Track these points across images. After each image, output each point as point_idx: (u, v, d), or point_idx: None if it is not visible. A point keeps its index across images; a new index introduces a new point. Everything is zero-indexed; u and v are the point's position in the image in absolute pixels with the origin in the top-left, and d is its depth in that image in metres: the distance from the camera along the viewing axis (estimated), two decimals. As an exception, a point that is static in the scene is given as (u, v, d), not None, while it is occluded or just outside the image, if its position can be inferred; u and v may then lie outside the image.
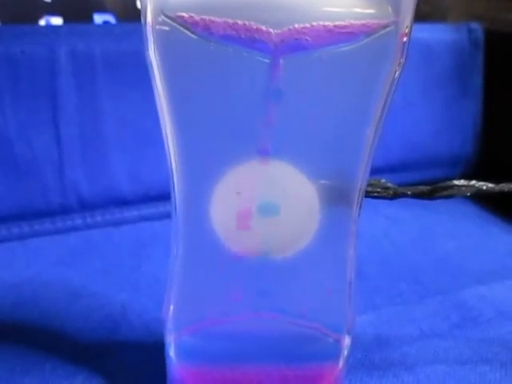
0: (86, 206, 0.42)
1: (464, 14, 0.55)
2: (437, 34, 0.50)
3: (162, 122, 0.18)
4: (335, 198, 0.19)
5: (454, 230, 0.45)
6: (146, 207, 0.44)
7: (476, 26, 0.51)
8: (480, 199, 0.48)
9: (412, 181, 0.37)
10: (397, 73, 0.17)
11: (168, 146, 0.19)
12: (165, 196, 0.43)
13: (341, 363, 0.22)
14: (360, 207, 0.20)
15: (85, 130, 0.40)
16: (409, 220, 0.46)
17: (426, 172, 0.51)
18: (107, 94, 0.40)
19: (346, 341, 0.22)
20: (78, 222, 0.42)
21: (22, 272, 0.36)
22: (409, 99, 0.49)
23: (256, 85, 0.17)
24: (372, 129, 0.18)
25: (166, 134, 0.19)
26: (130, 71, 0.41)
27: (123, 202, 0.43)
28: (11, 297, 0.33)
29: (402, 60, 0.17)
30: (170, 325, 0.21)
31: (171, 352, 0.22)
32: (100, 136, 0.41)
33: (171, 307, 0.21)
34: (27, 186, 0.40)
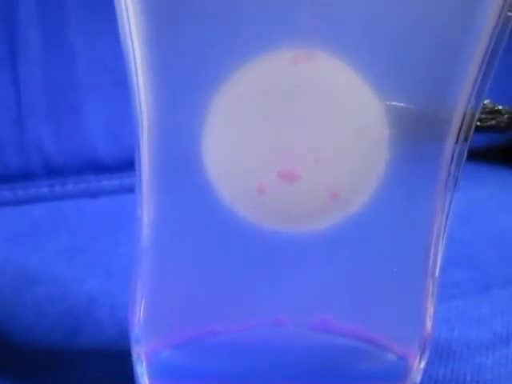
0: (53, 171, 0.38)
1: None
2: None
3: None
4: (416, 131, 0.14)
5: (508, 201, 0.39)
6: (129, 175, 0.39)
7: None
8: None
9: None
10: None
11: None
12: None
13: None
14: (463, 155, 0.14)
15: (50, 71, 0.36)
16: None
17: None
18: (79, 25, 0.36)
19: (418, 360, 0.16)
20: (44, 190, 0.38)
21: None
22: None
23: None
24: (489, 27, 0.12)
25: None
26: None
27: (101, 167, 0.39)
28: None
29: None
30: (138, 332, 0.17)
31: (141, 370, 0.17)
32: (70, 79, 0.37)
33: (141, 306, 0.16)
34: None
